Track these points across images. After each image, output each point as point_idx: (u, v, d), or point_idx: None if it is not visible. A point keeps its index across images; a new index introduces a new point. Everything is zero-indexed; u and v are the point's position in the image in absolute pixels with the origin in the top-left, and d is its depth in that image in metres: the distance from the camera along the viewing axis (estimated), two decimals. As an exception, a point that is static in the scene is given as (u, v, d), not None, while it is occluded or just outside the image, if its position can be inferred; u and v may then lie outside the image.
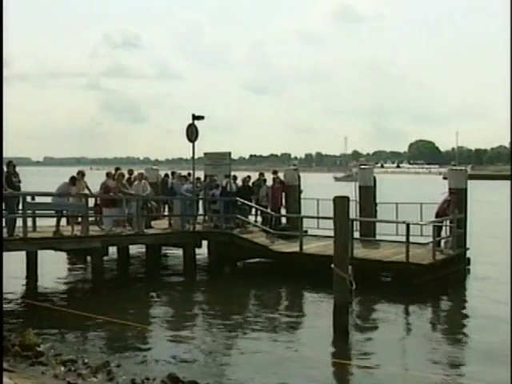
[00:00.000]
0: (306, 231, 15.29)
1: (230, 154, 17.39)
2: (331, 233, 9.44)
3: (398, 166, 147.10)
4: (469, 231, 14.31)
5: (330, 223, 9.66)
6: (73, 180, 12.99)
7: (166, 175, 17.79)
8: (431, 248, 12.60)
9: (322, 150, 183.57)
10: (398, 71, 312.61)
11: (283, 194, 16.10)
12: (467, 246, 14.28)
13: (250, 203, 15.76)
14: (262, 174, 17.16)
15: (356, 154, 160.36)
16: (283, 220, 16.34)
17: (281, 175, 16.49)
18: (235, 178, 16.37)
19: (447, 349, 8.43)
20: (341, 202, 8.95)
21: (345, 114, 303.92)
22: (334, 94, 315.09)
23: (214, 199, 15.59)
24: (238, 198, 15.35)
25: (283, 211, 16.19)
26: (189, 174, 16.43)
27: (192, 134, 15.24)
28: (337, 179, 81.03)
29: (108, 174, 14.34)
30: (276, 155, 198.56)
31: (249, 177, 16.72)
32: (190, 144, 15.32)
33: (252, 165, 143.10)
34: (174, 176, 16.94)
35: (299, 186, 16.46)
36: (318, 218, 15.57)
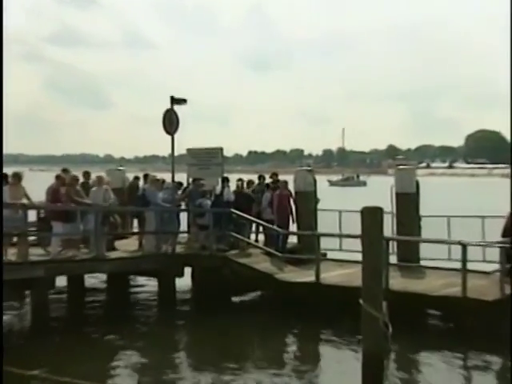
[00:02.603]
0: (324, 254, 15.32)
1: (221, 150, 17.46)
2: (359, 256, 9.39)
3: (451, 166, 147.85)
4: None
5: (357, 243, 9.62)
6: None
7: (136, 178, 17.84)
8: (498, 278, 12.56)
9: (346, 145, 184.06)
10: (448, 38, 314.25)
11: (293, 203, 16.10)
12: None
13: (249, 216, 15.73)
14: (263, 178, 17.22)
15: (392, 150, 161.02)
16: (293, 238, 16.34)
17: (290, 178, 16.53)
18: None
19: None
20: (371, 215, 8.90)
21: (376, 98, 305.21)
22: (360, 70, 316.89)
23: (202, 211, 15.59)
24: (233, 210, 15.34)
25: (293, 227, 16.18)
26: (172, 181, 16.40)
27: (171, 123, 15.32)
28: (332, 183, 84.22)
29: (58, 177, 14.32)
30: (284, 152, 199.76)
31: (251, 182, 16.75)
32: (169, 137, 15.37)
33: (251, 165, 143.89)
34: (147, 180, 16.94)
35: (315, 192, 16.47)
36: (341, 236, 15.55)
